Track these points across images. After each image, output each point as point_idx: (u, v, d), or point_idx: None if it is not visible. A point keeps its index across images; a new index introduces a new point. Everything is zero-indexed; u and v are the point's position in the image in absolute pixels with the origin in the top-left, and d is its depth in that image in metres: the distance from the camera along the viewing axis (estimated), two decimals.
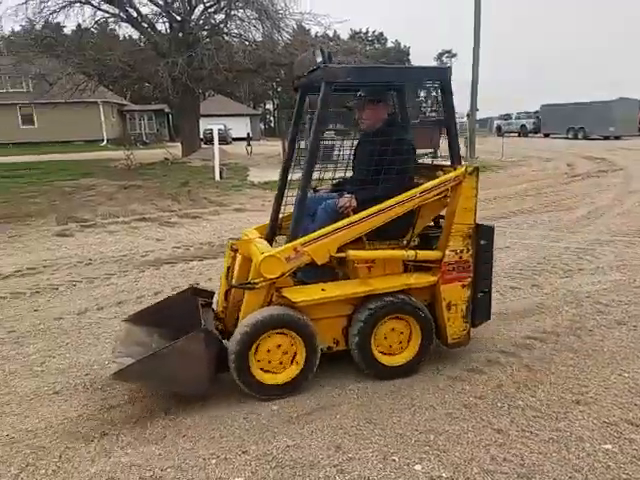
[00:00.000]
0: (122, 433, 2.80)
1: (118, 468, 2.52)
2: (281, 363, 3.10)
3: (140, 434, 2.79)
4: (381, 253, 3.28)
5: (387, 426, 2.82)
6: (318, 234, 3.07)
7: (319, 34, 26.23)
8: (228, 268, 3.43)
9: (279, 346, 3.06)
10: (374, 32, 69.37)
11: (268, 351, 3.05)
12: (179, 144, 23.21)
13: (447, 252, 3.24)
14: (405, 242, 3.41)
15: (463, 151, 19.74)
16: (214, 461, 2.56)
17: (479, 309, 3.46)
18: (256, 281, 3.03)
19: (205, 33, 21.26)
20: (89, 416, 2.97)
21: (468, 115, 21.38)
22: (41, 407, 3.09)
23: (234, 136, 36.68)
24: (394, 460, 2.55)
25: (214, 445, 2.68)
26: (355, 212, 3.17)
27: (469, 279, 3.32)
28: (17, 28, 21.62)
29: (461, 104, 21.17)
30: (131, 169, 17.22)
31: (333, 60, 3.11)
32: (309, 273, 3.27)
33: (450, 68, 3.32)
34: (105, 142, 32.87)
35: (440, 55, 69.11)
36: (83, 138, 32.74)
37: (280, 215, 3.65)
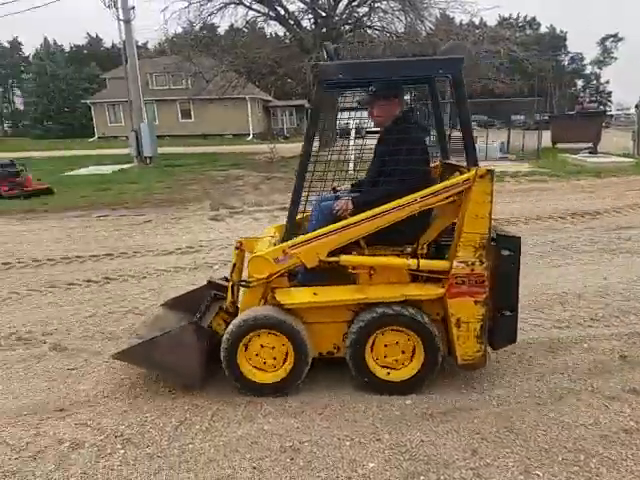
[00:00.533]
0: (265, 402, 3.04)
1: (261, 434, 2.75)
2: (272, 363, 3.10)
3: (280, 406, 3.01)
4: (378, 260, 3.07)
5: (530, 438, 2.68)
6: (308, 237, 3.00)
7: (464, 22, 25.20)
8: (234, 265, 3.47)
9: (272, 347, 3.06)
10: (525, 17, 64.51)
11: (261, 347, 3.07)
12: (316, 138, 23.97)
13: (455, 263, 2.91)
14: (410, 249, 3.13)
15: (630, 147, 17.66)
16: (348, 443, 2.67)
17: (500, 331, 3.09)
18: (249, 280, 3.06)
19: (348, 27, 21.67)
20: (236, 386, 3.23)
21: (637, 106, 18.85)
22: None
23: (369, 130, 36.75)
24: (538, 475, 2.42)
25: (348, 428, 2.79)
26: (353, 215, 3.00)
27: (484, 295, 2.93)
28: (179, 30, 24.14)
29: (631, 94, 18.61)
30: (273, 162, 18.31)
31: (341, 57, 2.96)
32: (308, 276, 3.16)
33: (461, 59, 2.92)
34: (251, 136, 35.30)
35: (603, 40, 62.09)
36: (232, 132, 35.55)
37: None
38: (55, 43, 59.64)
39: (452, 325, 2.97)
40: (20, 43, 62.00)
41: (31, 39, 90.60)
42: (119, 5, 17.00)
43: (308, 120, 2.92)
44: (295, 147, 23.27)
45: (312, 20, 21.94)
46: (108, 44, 62.27)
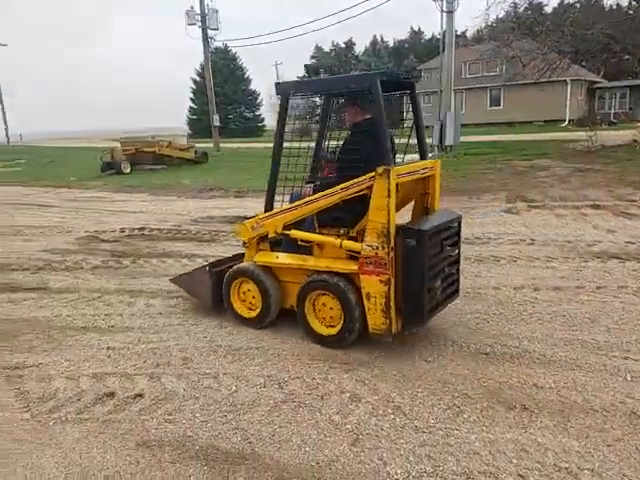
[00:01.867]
0: (542, 414, 2.85)
1: (533, 445, 2.60)
2: (252, 303, 4.15)
3: (560, 423, 2.78)
4: (316, 237, 3.78)
5: None
6: (274, 212, 3.92)
7: None
8: None
9: (252, 294, 4.12)
10: None
11: (247, 291, 4.16)
12: None
13: (364, 246, 3.43)
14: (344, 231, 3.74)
15: None
16: None
17: (407, 310, 3.47)
18: (244, 241, 4.13)
19: None
20: (512, 385, 3.16)
21: None
22: (469, 362, 3.51)
23: None
24: None
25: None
26: None
27: (386, 275, 3.37)
28: (501, 15, 23.36)
29: None
30: (591, 151, 16.18)
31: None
32: (289, 245, 3.97)
33: (377, 74, 3.39)
34: (567, 122, 31.94)
35: None
36: (544, 118, 32.88)
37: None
38: (382, 40, 66.09)
39: (364, 297, 3.50)
40: (353, 43, 70.89)
41: (362, 39, 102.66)
42: None
43: (276, 131, 3.92)
44: (622, 135, 20.01)
45: None
46: (428, 36, 65.39)
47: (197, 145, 22.60)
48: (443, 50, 18.21)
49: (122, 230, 8.42)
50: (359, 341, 3.72)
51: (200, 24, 25.68)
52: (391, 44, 66.87)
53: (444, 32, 18.41)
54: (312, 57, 73.39)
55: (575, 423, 2.77)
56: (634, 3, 19.53)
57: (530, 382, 3.20)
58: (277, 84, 3.88)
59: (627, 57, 22.45)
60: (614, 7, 22.20)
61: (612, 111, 35.03)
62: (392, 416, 2.90)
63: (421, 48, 61.14)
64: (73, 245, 7.52)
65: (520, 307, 4.43)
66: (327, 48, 72.38)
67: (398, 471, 2.46)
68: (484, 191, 10.43)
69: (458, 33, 35.76)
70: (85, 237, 8.02)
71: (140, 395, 3.22)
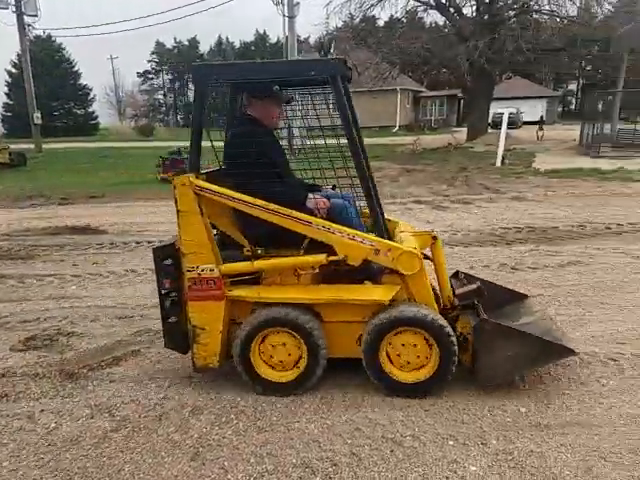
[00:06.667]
0: (370, 391, 3.08)
1: (365, 422, 2.81)
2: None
3: (386, 397, 3.03)
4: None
5: None
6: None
7: None
8: None
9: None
10: None
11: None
12: (465, 129, 23.11)
13: None
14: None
15: None
16: (451, 442, 2.62)
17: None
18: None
19: (512, 13, 20.34)
20: (351, 374, 3.23)
21: None
22: None
23: (526, 120, 34.32)
24: None
25: (454, 428, 2.73)
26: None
27: None
28: (340, 24, 24.91)
29: None
30: (416, 153, 18.06)
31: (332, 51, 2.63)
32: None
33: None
34: (397, 128, 35.13)
35: None
36: (379, 124, 35.70)
37: None
38: (227, 40, 65.75)
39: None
40: (197, 41, 69.38)
41: (207, 38, 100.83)
42: (285, 2, 18.13)
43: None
44: (440, 138, 22.73)
45: (474, 7, 21.04)
46: (273, 40, 66.69)
47: (13, 146, 19.94)
48: (286, 55, 18.70)
49: None
50: None
51: (14, 9, 22.67)
52: (237, 45, 66.85)
53: (286, 37, 18.95)
54: (153, 53, 69.89)
55: (399, 397, 3.04)
56: (448, 22, 22.26)
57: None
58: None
59: (444, 70, 25.54)
60: (433, 25, 25.14)
61: (433, 118, 39.57)
62: (235, 422, 2.87)
63: (266, 51, 62.13)
64: None
65: None
66: (169, 45, 69.50)
67: (239, 476, 2.44)
68: None
69: (301, 39, 37.15)
70: None
71: None
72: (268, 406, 2.99)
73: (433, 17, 29.02)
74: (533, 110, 36.76)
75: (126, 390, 3.23)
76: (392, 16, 23.56)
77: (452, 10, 20.99)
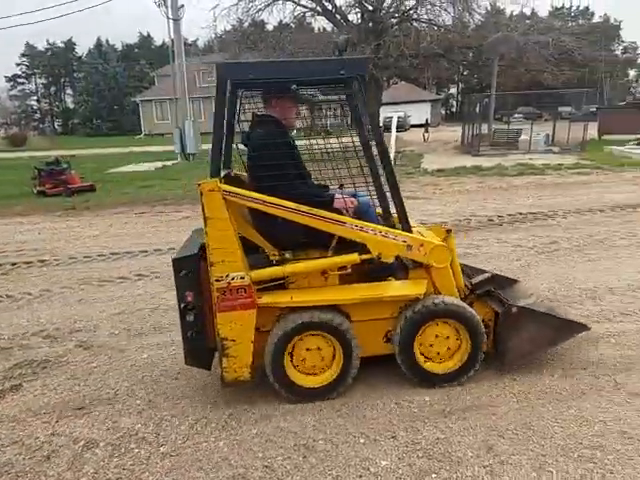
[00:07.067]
0: (279, 401, 3.01)
1: (276, 432, 2.74)
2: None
3: (299, 404, 2.97)
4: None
5: (547, 435, 2.61)
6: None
7: (515, 13, 24.44)
8: None
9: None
10: (578, 7, 61.80)
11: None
12: None
13: None
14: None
15: None
16: (363, 440, 2.64)
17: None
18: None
19: (394, 21, 21.42)
20: (258, 383, 3.17)
21: None
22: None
23: (414, 123, 36.39)
24: (550, 472, 2.36)
25: (365, 425, 2.76)
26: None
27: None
28: (228, 28, 24.62)
29: None
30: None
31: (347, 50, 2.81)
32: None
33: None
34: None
35: None
36: None
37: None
38: (108, 43, 61.96)
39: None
40: (74, 43, 64.75)
41: (85, 40, 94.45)
42: (168, 4, 17.44)
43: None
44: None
45: (359, 14, 21.84)
46: (158, 42, 64.15)
47: None
48: (174, 58, 18.03)
49: None
50: (97, 377, 3.36)
51: None
52: (119, 47, 63.23)
53: (172, 40, 18.26)
54: (23, 55, 64.06)
55: (310, 402, 3.00)
56: (336, 29, 22.89)
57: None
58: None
59: None
60: (322, 30, 25.72)
61: (328, 122, 40.49)
62: (136, 450, 2.65)
63: (152, 54, 59.59)
64: None
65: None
66: (41, 47, 64.06)
67: None
68: None
69: (188, 42, 36.16)
70: None
71: None
72: (172, 429, 2.81)
73: (321, 23, 29.76)
74: (419, 113, 38.99)
75: (6, 431, 2.85)
76: (281, 21, 23.74)
77: (338, 17, 21.63)
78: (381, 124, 25.35)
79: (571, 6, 60.99)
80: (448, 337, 3.06)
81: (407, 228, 3.01)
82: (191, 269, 2.88)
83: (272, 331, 2.92)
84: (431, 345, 3.06)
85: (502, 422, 2.73)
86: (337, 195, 3.07)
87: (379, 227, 2.93)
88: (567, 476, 2.33)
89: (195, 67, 33.11)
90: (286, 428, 2.77)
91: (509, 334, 3.15)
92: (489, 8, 22.30)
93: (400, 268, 3.17)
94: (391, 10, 21.26)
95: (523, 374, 3.19)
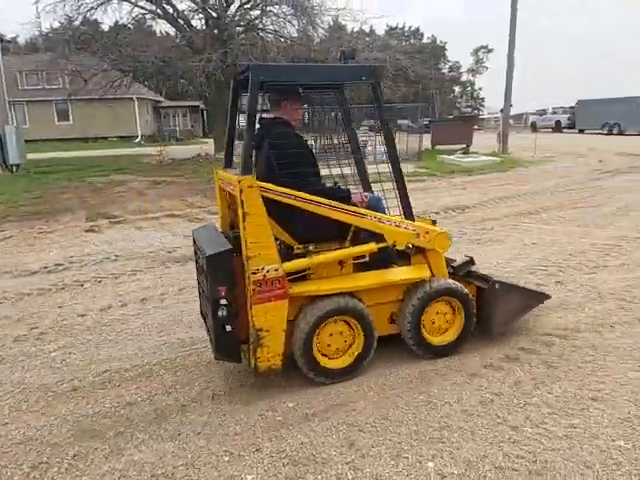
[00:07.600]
0: (137, 431, 2.79)
1: (130, 466, 2.51)
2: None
3: (155, 432, 2.77)
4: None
5: (402, 423, 2.79)
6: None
7: (355, 30, 26.16)
8: None
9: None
10: (410, 28, 68.72)
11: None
12: (212, 140, 23.44)
13: None
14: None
15: (496, 146, 19.73)
16: (227, 458, 2.54)
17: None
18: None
19: (240, 29, 21.37)
20: (105, 414, 2.96)
21: (501, 111, 21.19)
22: (58, 404, 3.10)
23: None
24: (407, 457, 2.51)
25: (228, 442, 2.66)
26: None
27: None
28: (55, 25, 22.23)
29: (500, 100, 20.90)
30: (163, 165, 17.49)
31: (355, 58, 3.16)
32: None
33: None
34: (139, 138, 33.50)
35: (476, 50, 67.86)
36: (118, 134, 33.45)
37: None
38: None
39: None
40: None
41: None
42: None
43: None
44: (188, 149, 22.54)
45: (203, 20, 21.35)
46: None
47: None
48: None
49: None
50: None
51: None
52: None
53: None
54: None
55: (168, 427, 2.82)
56: (179, 34, 22.10)
57: (123, 402, 3.08)
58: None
59: (182, 80, 25.32)
60: (164, 34, 24.66)
61: (178, 128, 39.08)
62: None
63: None
64: None
65: (108, 327, 4.26)
66: None
67: None
68: (62, 211, 9.65)
69: (7, 38, 31.92)
70: None
71: None
72: None
73: (163, 27, 28.55)
74: None
75: None
76: (117, 22, 22.16)
77: (181, 21, 20.95)
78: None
79: (404, 26, 67.67)
80: (446, 313, 3.47)
81: (412, 218, 3.37)
82: (225, 264, 2.89)
83: (302, 319, 3.09)
84: (433, 322, 3.44)
85: (361, 417, 2.84)
86: (353, 190, 3.42)
87: (393, 218, 3.30)
88: (421, 459, 2.49)
89: (19, 66, 29.43)
90: (141, 460, 2.55)
91: (495, 307, 3.59)
92: (332, 24, 23.46)
93: (396, 256, 3.54)
94: (236, 18, 21.20)
95: (379, 366, 3.36)
